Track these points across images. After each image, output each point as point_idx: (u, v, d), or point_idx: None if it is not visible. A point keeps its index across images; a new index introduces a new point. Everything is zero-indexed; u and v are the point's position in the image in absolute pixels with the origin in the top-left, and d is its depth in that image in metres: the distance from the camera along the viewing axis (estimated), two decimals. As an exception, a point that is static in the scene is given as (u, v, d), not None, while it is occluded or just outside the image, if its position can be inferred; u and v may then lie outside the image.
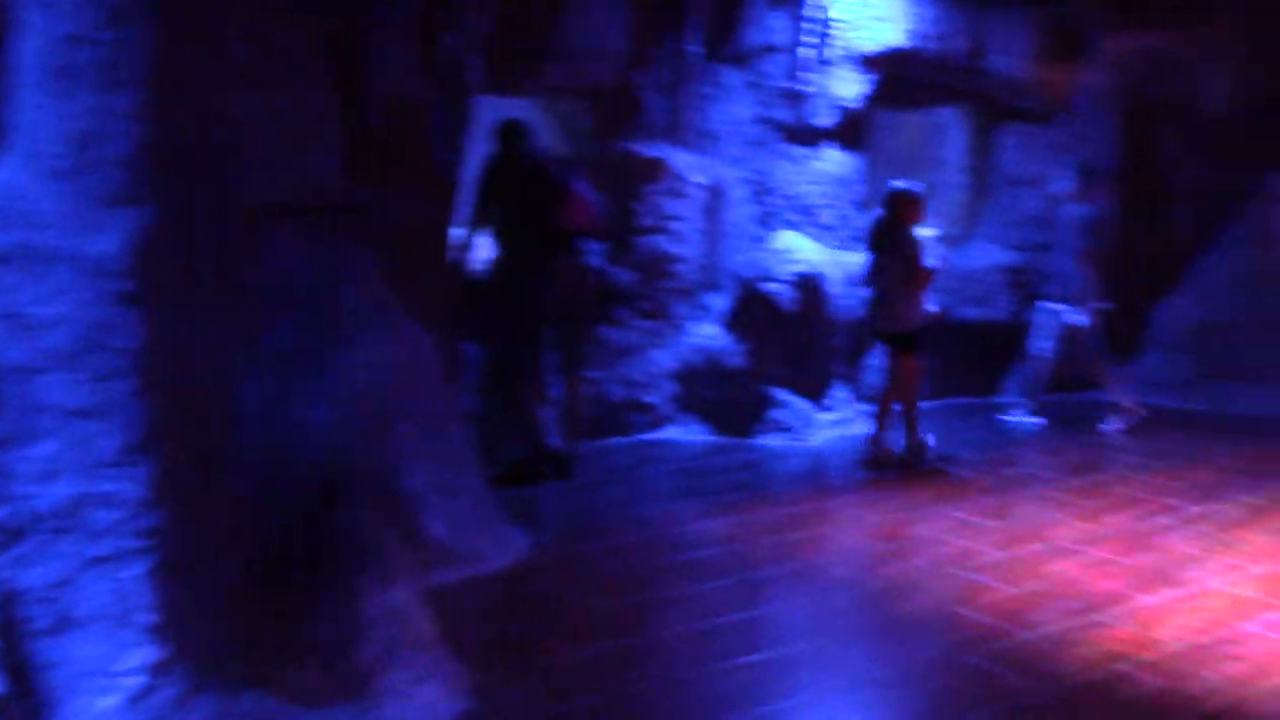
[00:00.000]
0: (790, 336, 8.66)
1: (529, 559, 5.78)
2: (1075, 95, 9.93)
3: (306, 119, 6.48)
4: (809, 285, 8.64)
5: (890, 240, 8.14)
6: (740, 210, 9.19)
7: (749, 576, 5.50)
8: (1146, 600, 5.25)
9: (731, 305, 8.82)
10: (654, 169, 8.48)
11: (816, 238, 9.37)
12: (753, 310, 8.65)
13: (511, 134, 7.34)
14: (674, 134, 8.57)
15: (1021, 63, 9.60)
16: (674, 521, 6.42)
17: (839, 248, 9.52)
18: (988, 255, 10.09)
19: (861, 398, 9.68)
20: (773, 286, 8.59)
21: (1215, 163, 10.16)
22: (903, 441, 8.15)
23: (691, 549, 5.93)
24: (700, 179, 8.70)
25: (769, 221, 9.24)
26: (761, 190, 9.22)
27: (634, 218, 8.46)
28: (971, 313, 9.94)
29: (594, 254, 7.39)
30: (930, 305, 8.31)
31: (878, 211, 8.99)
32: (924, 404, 9.06)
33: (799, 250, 8.66)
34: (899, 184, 8.43)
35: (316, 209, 6.27)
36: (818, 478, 7.58)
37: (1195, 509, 6.72)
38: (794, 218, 9.31)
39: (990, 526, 6.37)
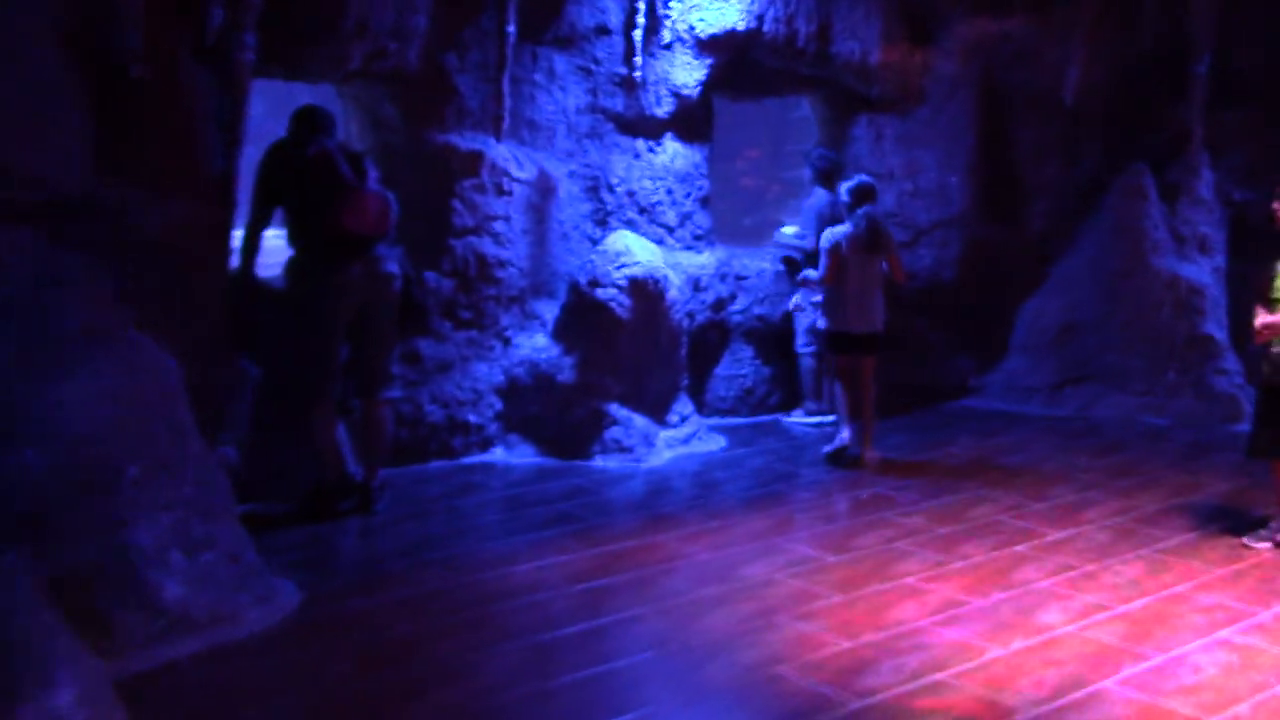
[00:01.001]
0: (628, 347, 7.90)
1: (294, 619, 4.92)
2: (929, 83, 9.36)
3: (31, 104, 5.53)
4: (647, 290, 7.89)
5: (871, 237, 7.55)
6: (573, 209, 8.42)
7: (543, 640, 4.71)
8: (997, 653, 4.60)
9: (562, 313, 8.03)
10: (472, 163, 7.64)
11: (657, 238, 8.65)
12: (586, 319, 7.88)
13: (302, 123, 6.45)
14: (495, 125, 7.74)
15: (871, 47, 8.99)
16: (476, 565, 5.61)
17: (683, 248, 8.82)
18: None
19: (713, 411, 9.02)
20: (607, 292, 7.82)
21: (1073, 154, 9.69)
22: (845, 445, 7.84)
23: (489, 601, 5.13)
24: (525, 174, 7.89)
25: (606, 221, 8.49)
26: (596, 186, 8.47)
27: (451, 217, 7.61)
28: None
29: (393, 258, 6.53)
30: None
31: (822, 203, 8.40)
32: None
33: (637, 252, 7.90)
34: (865, 177, 7.95)
35: (37, 210, 5.32)
36: (652, 506, 6.83)
37: (1055, 535, 6.13)
38: (633, 216, 8.58)
39: (832, 562, 5.69)
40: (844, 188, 7.86)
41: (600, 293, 7.83)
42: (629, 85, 8.20)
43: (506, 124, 7.76)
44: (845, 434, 7.89)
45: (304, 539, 6.00)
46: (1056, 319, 9.57)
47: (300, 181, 6.20)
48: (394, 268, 6.53)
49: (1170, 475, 7.44)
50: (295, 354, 6.37)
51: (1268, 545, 5.88)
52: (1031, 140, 9.68)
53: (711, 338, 9.00)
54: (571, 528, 6.26)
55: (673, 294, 8.09)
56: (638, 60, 8.10)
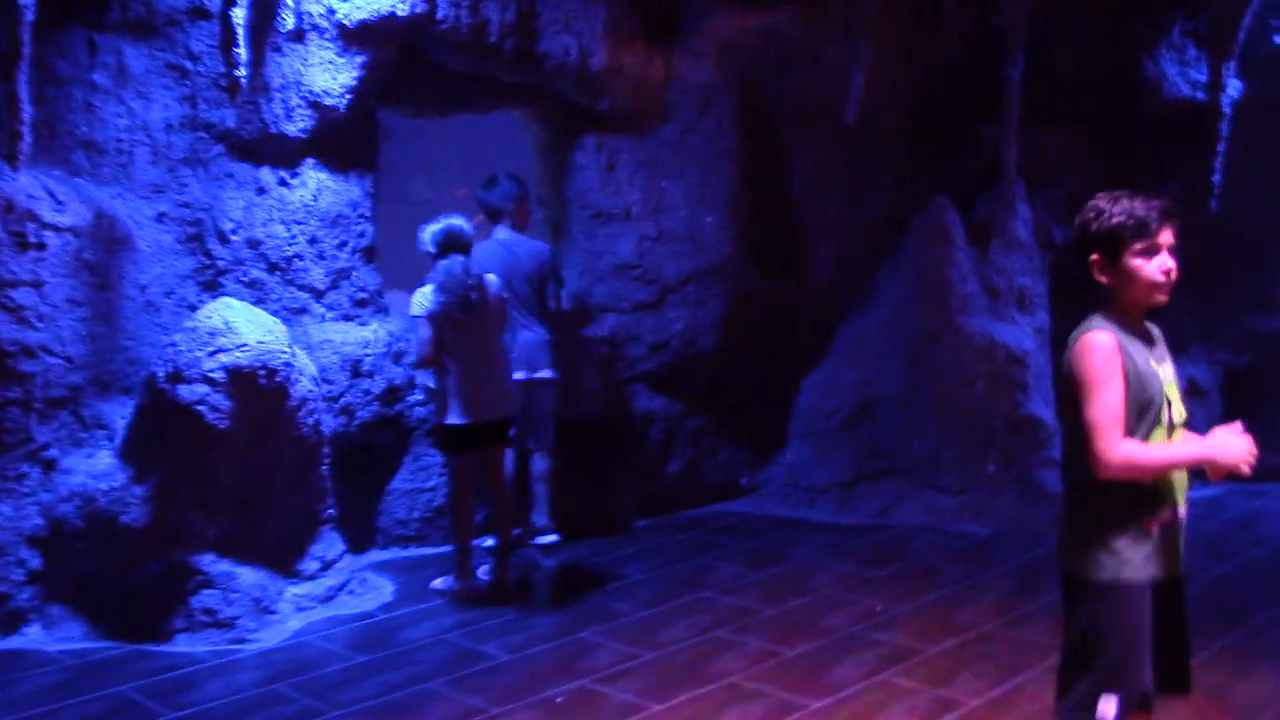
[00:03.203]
0: (230, 469, 5.38)
1: None
2: (675, 95, 7.15)
3: None
4: (257, 385, 5.38)
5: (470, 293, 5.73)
6: (164, 267, 5.87)
7: None
8: None
9: (133, 422, 5.46)
10: (-30, 203, 5.04)
11: (298, 305, 6.17)
12: (166, 429, 5.33)
13: None
14: (9, 144, 5.13)
15: (593, 45, 6.72)
16: None
17: (337, 318, 6.34)
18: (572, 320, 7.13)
19: (392, 541, 6.56)
20: (196, 390, 5.28)
21: (862, 186, 7.64)
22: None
23: None
24: (69, 218, 5.32)
25: (218, 284, 5.97)
26: (201, 235, 5.96)
27: (-67, 285, 5.00)
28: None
29: None
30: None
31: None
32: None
33: (242, 328, 5.38)
34: (456, 218, 5.92)
35: None
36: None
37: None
38: (259, 275, 6.08)
39: None
40: (428, 231, 5.79)
41: (185, 391, 5.28)
42: (233, 89, 5.69)
43: (27, 144, 5.14)
44: (480, 568, 5.99)
45: None
46: (848, 396, 7.46)
47: None
48: None
49: (999, 632, 5.31)
50: None
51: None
52: (810, 168, 7.59)
53: (383, 440, 6.54)
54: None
55: (303, 387, 5.60)
56: (240, 53, 5.60)
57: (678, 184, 7.21)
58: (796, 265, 7.63)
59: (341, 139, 6.27)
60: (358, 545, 6.39)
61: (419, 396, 6.58)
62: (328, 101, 6.06)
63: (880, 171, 7.69)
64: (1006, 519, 6.95)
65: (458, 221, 5.77)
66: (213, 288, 5.97)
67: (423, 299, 5.66)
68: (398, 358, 6.50)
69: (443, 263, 5.67)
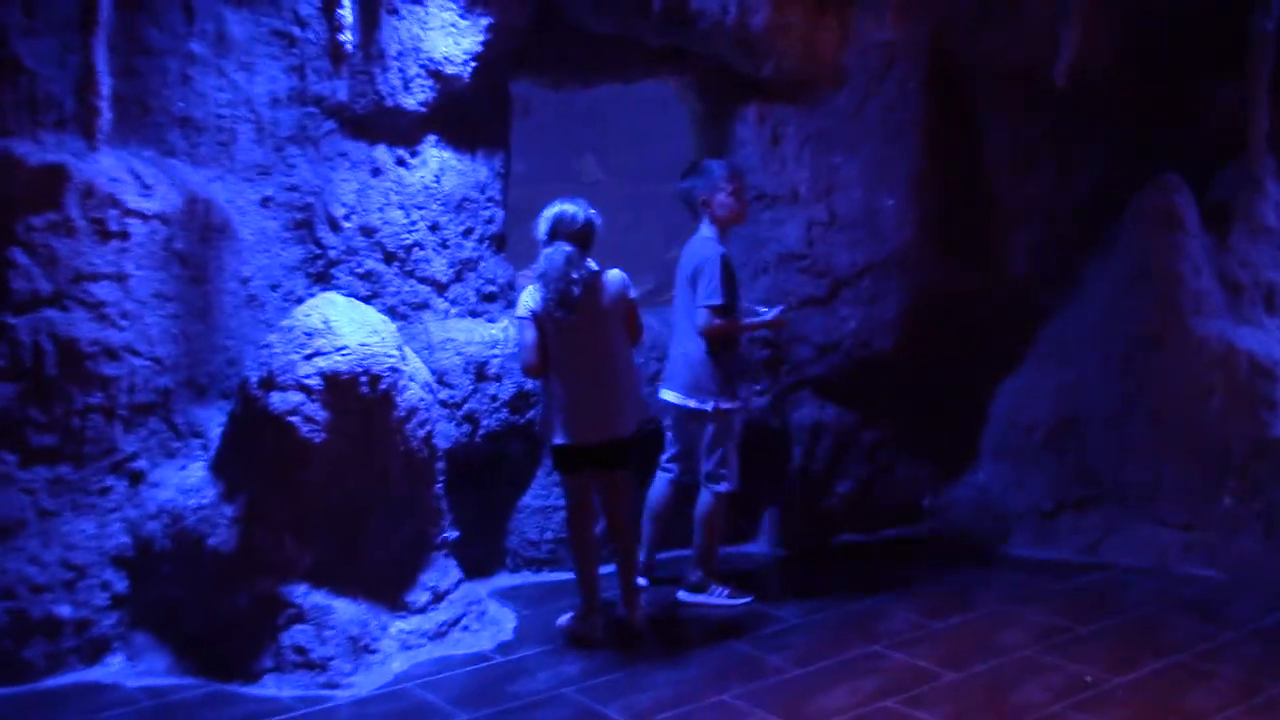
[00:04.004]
0: (325, 487, 4.75)
1: None
2: (851, 57, 6.18)
3: None
4: (357, 393, 4.74)
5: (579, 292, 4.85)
6: (269, 257, 5.29)
7: None
8: None
9: (226, 432, 4.89)
10: (46, 186, 4.53)
11: (418, 300, 5.52)
12: (257, 441, 4.73)
13: None
14: (87, 122, 4.59)
15: (754, 1, 5.81)
16: None
17: (462, 313, 5.66)
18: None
19: (522, 563, 5.89)
20: (289, 398, 4.66)
21: (1070, 161, 6.51)
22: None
23: None
24: (157, 204, 4.76)
25: (329, 275, 5.38)
26: (310, 221, 5.36)
27: (6, 277, 4.50)
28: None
29: None
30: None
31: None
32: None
33: (343, 328, 4.75)
34: (573, 203, 5.04)
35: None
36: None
37: None
38: (374, 266, 5.46)
39: None
40: (541, 218, 4.93)
41: (277, 399, 4.67)
42: (337, 56, 5.04)
43: (106, 121, 4.60)
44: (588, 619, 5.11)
45: None
46: (1050, 409, 6.38)
47: None
48: None
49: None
50: None
51: None
52: (1009, 141, 6.51)
53: (513, 452, 5.83)
54: None
55: (413, 395, 4.92)
56: (345, 14, 4.94)
57: (853, 161, 6.25)
58: (990, 255, 6.56)
59: (467, 113, 5.57)
60: (483, 568, 5.74)
61: (552, 403, 5.84)
62: (450, 70, 5.37)
63: (1092, 144, 6.54)
64: (1247, 564, 5.77)
65: (571, 206, 4.92)
66: (324, 279, 5.36)
67: (528, 297, 4.92)
68: (529, 359, 5.76)
69: (546, 251, 4.87)
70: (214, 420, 5.02)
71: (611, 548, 5.24)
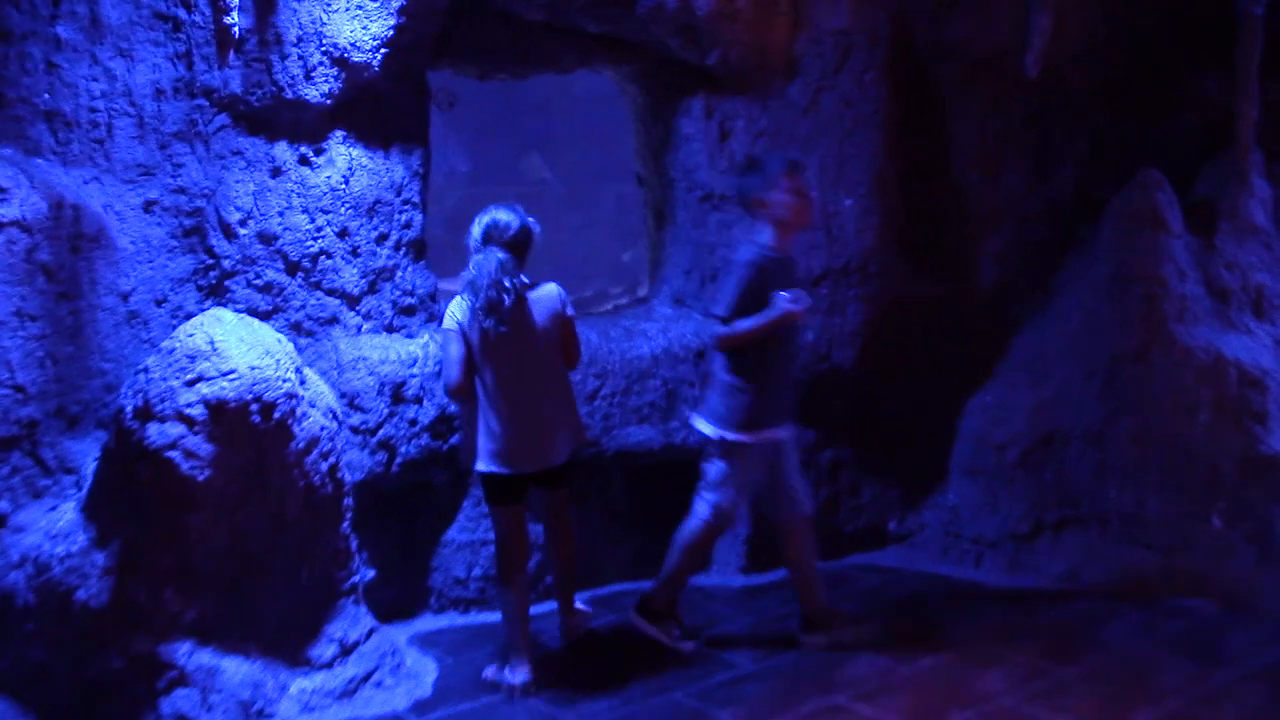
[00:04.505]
0: (214, 530, 4.17)
1: None
2: (805, 46, 5.67)
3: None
4: (248, 423, 4.15)
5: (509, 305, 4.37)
6: (154, 269, 4.70)
7: None
8: None
9: (99, 470, 4.30)
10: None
11: (326, 313, 4.95)
12: (134, 479, 4.14)
13: None
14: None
15: (698, -17, 5.29)
16: None
17: (376, 328, 5.09)
18: (670, 330, 5.74)
19: (447, 604, 5.34)
20: (168, 430, 4.08)
21: (1044, 158, 6.03)
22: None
23: None
24: (13, 210, 4.17)
25: (224, 289, 4.79)
26: (201, 227, 4.78)
27: None
28: (639, 434, 5.58)
29: None
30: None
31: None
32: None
33: (231, 349, 4.17)
34: (507, 209, 4.55)
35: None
36: None
37: None
38: (275, 277, 4.88)
39: None
40: (475, 223, 4.45)
41: (155, 432, 4.08)
42: (223, 43, 4.47)
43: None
44: (517, 667, 4.55)
45: None
46: (1024, 425, 5.87)
47: None
48: None
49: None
50: None
51: None
52: (977, 137, 6.02)
53: (436, 480, 5.27)
54: None
55: (313, 423, 4.35)
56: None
57: (808, 158, 5.70)
58: (958, 260, 6.07)
59: (379, 106, 5.01)
60: (404, 610, 5.19)
61: (480, 426, 5.28)
62: (357, 58, 4.80)
63: (1067, 140, 6.06)
64: (1240, 591, 5.29)
65: (506, 212, 4.43)
66: (218, 293, 4.79)
67: (455, 308, 4.40)
68: (454, 378, 5.21)
69: (477, 258, 4.37)
70: (89, 454, 4.44)
71: (554, 563, 4.87)
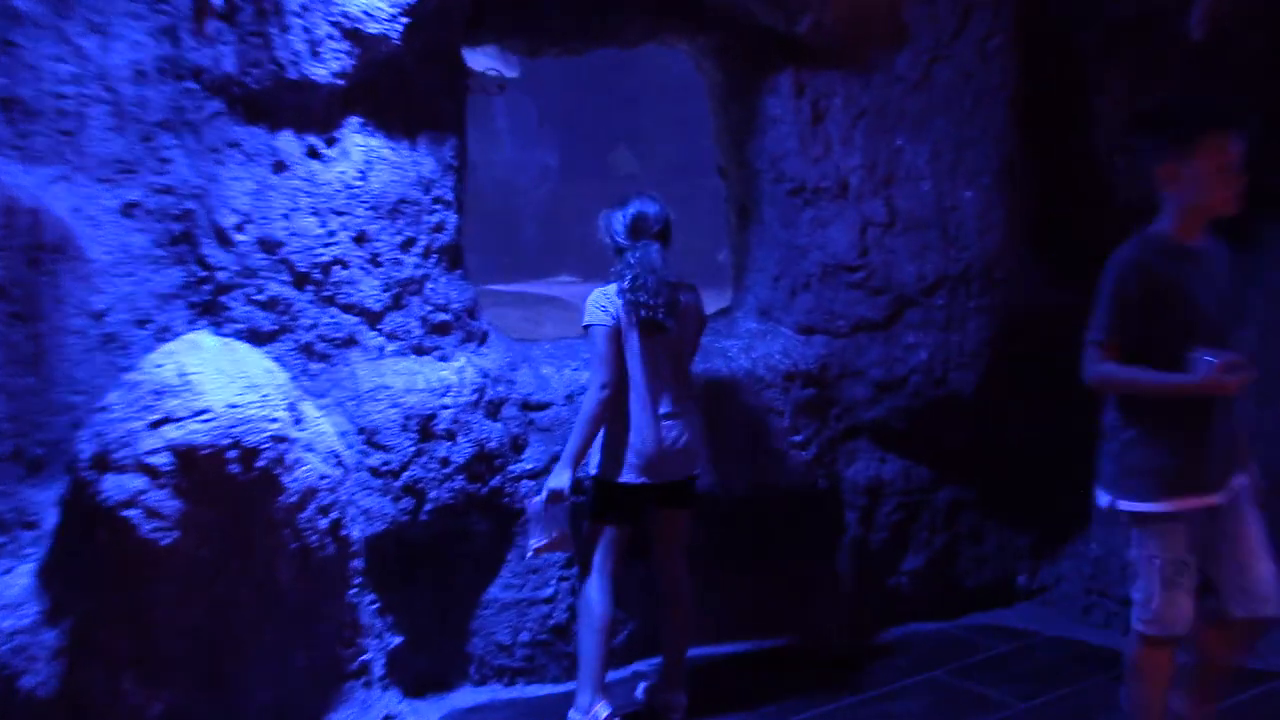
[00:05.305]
0: (183, 604, 3.41)
1: None
2: (911, 10, 4.73)
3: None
4: (223, 473, 3.39)
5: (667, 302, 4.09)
6: (135, 283, 3.97)
7: None
8: None
9: (56, 531, 3.57)
10: None
11: (341, 332, 4.18)
12: (91, 541, 3.41)
13: None
14: None
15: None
16: None
17: (402, 352, 4.31)
18: (755, 348, 4.86)
19: (492, 674, 4.59)
20: (127, 484, 3.34)
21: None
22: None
23: None
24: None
25: (217, 306, 4.04)
26: (191, 233, 4.03)
27: None
28: (714, 472, 4.71)
29: None
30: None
31: None
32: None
33: (205, 384, 3.42)
34: (647, 199, 4.17)
35: None
36: None
37: None
38: (279, 291, 4.11)
39: None
40: (617, 216, 4.08)
41: (112, 485, 3.35)
42: (200, 11, 3.71)
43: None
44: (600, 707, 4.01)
45: None
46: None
47: None
48: None
49: None
50: None
51: None
52: (1126, 114, 4.99)
53: (475, 529, 4.45)
54: None
55: (308, 471, 3.59)
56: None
57: (919, 143, 4.81)
58: (1101, 264, 5.03)
59: (403, 88, 4.23)
60: (439, 682, 4.42)
61: (528, 465, 4.47)
62: (372, 29, 4.01)
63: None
64: None
65: (650, 203, 4.10)
66: (212, 311, 4.05)
67: (604, 300, 3.97)
68: (496, 408, 4.41)
69: (635, 253, 3.97)
70: (53, 504, 3.72)
71: (665, 616, 4.23)
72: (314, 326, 4.14)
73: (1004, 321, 4.91)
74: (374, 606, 4.10)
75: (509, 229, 11.05)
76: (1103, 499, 3.47)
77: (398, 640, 4.18)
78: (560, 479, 3.91)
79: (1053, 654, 4.79)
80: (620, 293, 3.95)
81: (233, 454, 3.40)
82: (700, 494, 4.36)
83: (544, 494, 3.92)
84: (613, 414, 3.96)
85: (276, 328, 4.08)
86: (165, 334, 3.97)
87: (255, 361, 3.60)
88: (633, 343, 3.96)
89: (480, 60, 6.74)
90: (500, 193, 11.12)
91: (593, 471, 4.03)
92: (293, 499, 3.54)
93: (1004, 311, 4.90)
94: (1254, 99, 4.96)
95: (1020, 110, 4.87)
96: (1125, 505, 3.39)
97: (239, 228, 4.02)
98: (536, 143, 11.80)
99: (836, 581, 4.96)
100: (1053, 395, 4.99)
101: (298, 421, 3.61)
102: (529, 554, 4.02)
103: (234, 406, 3.42)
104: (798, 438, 4.85)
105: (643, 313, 3.93)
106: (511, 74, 7.89)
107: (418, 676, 4.29)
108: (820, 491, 4.90)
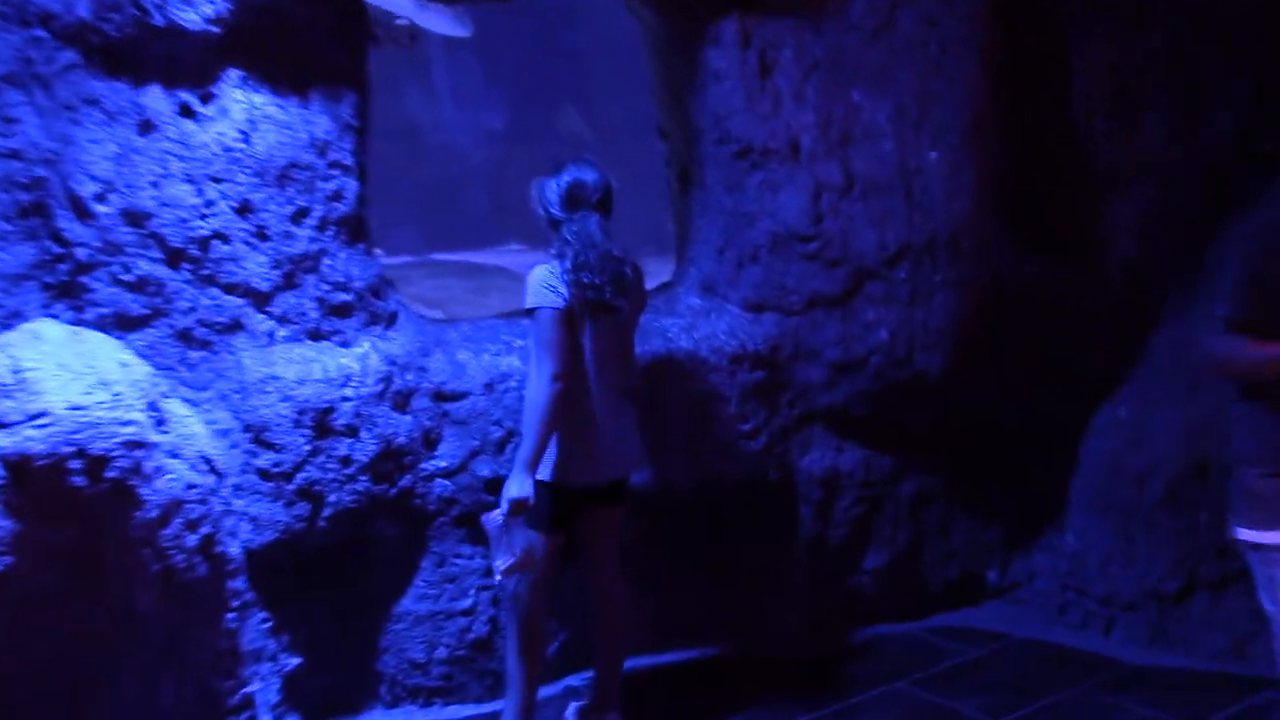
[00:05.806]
0: (20, 640, 2.91)
1: None
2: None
3: None
4: (64, 487, 2.88)
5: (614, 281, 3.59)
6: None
7: None
8: None
9: None
10: None
11: (225, 316, 3.68)
12: (-88, 565, 2.90)
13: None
14: None
15: None
16: None
17: (294, 337, 3.81)
18: (697, 327, 4.39)
19: (405, 695, 4.12)
20: (-50, 499, 2.83)
21: (1195, 99, 4.48)
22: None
23: None
24: None
25: (77, 287, 3.54)
26: (44, 204, 3.51)
27: None
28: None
29: None
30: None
31: None
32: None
33: (46, 378, 2.90)
34: (583, 165, 3.72)
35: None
36: None
37: None
38: (150, 270, 3.61)
39: None
40: (551, 184, 3.65)
41: (-68, 501, 2.82)
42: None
43: None
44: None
45: None
46: (1171, 449, 4.46)
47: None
48: None
49: None
50: None
51: None
52: (1105, 70, 4.55)
53: (383, 535, 3.98)
54: None
55: (171, 481, 3.08)
56: None
57: (879, 98, 4.33)
58: (1080, 233, 4.62)
59: (289, 36, 3.71)
60: (346, 703, 4.02)
61: (442, 463, 3.99)
62: (251, -34, 3.49)
63: (1227, 76, 4.54)
64: None
65: (587, 170, 3.65)
66: (71, 293, 3.53)
67: (552, 278, 3.51)
68: (405, 399, 3.92)
69: (572, 226, 3.55)
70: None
71: (601, 629, 3.82)
72: (192, 310, 3.65)
73: (972, 296, 4.46)
74: (265, 626, 3.65)
75: (452, 195, 10.50)
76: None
77: (295, 661, 3.75)
78: (521, 486, 3.41)
79: (1027, 659, 4.40)
80: (564, 274, 3.50)
81: (76, 464, 2.88)
82: (636, 490, 3.92)
83: (504, 506, 3.44)
84: (563, 408, 3.50)
85: (148, 311, 3.59)
86: (15, 319, 3.45)
87: (108, 354, 3.08)
88: (583, 327, 3.55)
89: (435, 21, 6.21)
90: (443, 157, 10.61)
91: (543, 477, 3.53)
92: (152, 514, 3.03)
93: (972, 285, 4.45)
94: (1241, 60, 4.54)
95: (992, 63, 4.40)
96: (1248, 534, 2.88)
97: (100, 197, 3.51)
98: (481, 103, 11.27)
99: (791, 583, 4.53)
100: (1026, 375, 4.58)
101: (160, 423, 3.10)
102: (497, 576, 3.52)
103: (78, 408, 2.91)
104: (746, 426, 4.40)
105: (590, 294, 3.49)
106: (464, 33, 7.37)
107: (322, 699, 3.89)
108: (771, 484, 4.47)
